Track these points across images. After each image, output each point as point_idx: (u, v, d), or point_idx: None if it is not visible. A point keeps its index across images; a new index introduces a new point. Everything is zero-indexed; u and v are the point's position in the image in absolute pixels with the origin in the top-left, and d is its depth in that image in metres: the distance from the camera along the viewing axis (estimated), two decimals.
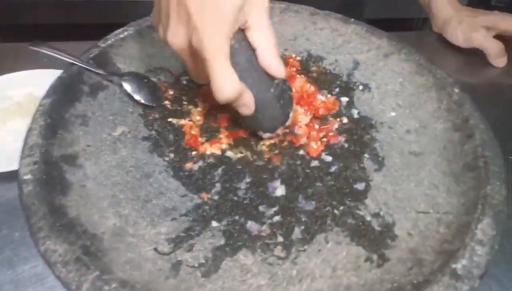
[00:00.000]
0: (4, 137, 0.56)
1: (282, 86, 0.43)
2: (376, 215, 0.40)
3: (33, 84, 0.61)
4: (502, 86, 0.69)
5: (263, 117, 0.44)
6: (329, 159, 0.46)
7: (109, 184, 0.41)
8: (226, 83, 0.37)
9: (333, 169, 0.45)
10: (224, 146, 0.47)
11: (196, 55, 0.38)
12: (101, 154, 0.44)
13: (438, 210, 0.39)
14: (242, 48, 0.39)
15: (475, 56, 0.72)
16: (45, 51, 0.51)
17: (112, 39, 0.54)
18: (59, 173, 0.40)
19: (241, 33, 0.39)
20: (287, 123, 0.46)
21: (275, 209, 0.41)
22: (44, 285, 0.40)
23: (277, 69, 0.40)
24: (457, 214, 0.37)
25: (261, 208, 0.41)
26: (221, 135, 0.49)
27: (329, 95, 0.54)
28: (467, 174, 0.40)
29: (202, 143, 0.48)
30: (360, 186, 0.43)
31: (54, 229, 0.34)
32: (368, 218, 0.40)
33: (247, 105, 0.40)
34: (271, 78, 0.41)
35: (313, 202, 0.42)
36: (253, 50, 0.40)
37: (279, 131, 0.46)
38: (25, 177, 0.37)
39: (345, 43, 0.59)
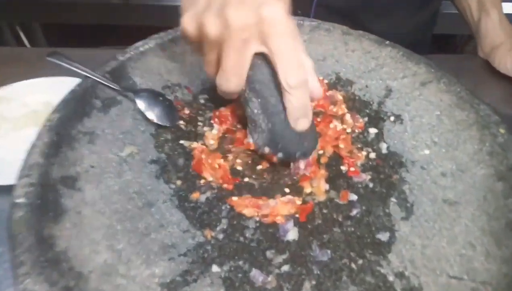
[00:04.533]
0: (17, 145, 0.54)
1: None
2: (400, 275, 0.35)
3: (52, 92, 0.60)
4: None
5: (306, 135, 0.41)
6: (353, 197, 0.42)
7: (108, 212, 0.38)
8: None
9: (354, 212, 0.40)
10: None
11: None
12: (104, 176, 0.41)
13: (474, 277, 0.33)
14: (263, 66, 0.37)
15: None
16: (61, 63, 0.50)
17: (132, 52, 0.52)
18: (55, 197, 0.37)
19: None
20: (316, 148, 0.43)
21: (284, 256, 0.37)
22: None
23: (317, 89, 0.39)
24: (497, 286, 0.31)
25: (268, 254, 0.37)
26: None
27: (360, 119, 0.50)
28: (510, 235, 0.34)
29: None
30: (383, 236, 0.38)
31: (37, 264, 0.31)
32: (391, 278, 0.35)
33: (310, 116, 0.39)
34: None
35: (328, 251, 0.37)
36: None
37: (312, 157, 0.43)
38: (18, 200, 0.35)
39: (378, 67, 0.54)
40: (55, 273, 0.31)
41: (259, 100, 0.39)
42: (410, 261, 0.36)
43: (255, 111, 0.40)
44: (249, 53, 0.36)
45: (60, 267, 0.32)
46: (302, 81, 0.36)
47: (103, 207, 0.39)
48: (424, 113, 0.49)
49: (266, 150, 0.43)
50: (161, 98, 0.49)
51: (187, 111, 0.50)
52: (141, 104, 0.48)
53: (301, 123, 0.39)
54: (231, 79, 0.37)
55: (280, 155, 0.42)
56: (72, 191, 0.38)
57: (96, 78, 0.47)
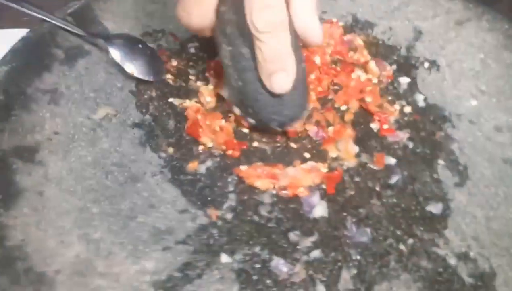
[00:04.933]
0: None
1: (304, 68, 0.33)
2: (463, 257, 0.28)
3: (5, 46, 0.49)
4: None
5: (288, 100, 0.32)
6: (391, 161, 0.33)
7: (79, 191, 0.29)
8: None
9: (394, 179, 0.32)
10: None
11: None
12: (73, 145, 0.32)
13: None
14: None
15: None
16: (7, 2, 0.39)
17: None
18: (6, 174, 0.28)
19: None
20: (305, 115, 0.35)
21: (312, 238, 0.29)
22: None
23: (316, 31, 0.31)
24: None
25: (292, 236, 0.29)
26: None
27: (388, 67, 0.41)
28: None
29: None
30: (435, 208, 0.31)
31: None
32: (452, 261, 0.27)
33: (290, 72, 0.30)
34: (300, 54, 0.32)
35: (368, 230, 0.29)
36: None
37: (299, 125, 0.35)
38: None
39: (402, 5, 0.46)
40: (4, 279, 0.22)
41: (230, 48, 0.31)
42: (474, 238, 0.28)
43: (225, 62, 0.32)
44: None
45: (13, 268, 0.23)
46: (273, 22, 0.28)
47: (72, 184, 0.30)
48: (464, 57, 0.41)
49: (236, 111, 0.34)
50: (140, 46, 0.40)
51: (174, 63, 0.41)
52: (115, 54, 0.38)
53: (276, 81, 0.30)
54: (191, 11, 0.29)
55: (250, 120, 0.34)
56: (30, 165, 0.30)
57: (56, 22, 0.37)
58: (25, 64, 0.35)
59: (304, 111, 0.35)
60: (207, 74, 0.40)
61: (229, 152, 0.34)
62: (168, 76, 0.40)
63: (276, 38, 0.28)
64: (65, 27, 0.38)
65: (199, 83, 0.39)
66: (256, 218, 0.30)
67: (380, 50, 0.43)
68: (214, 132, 0.35)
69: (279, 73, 0.29)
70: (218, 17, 0.30)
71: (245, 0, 0.27)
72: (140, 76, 0.38)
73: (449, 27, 0.43)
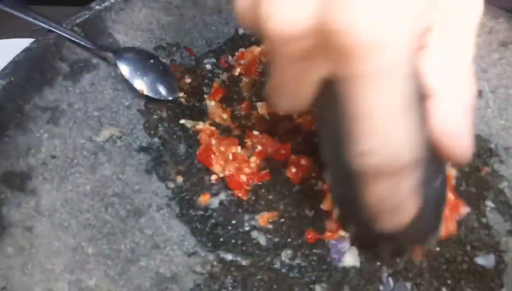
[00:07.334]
0: None
1: (443, 178, 0.25)
2: None
3: (6, 57, 0.47)
4: None
5: (416, 222, 0.22)
6: None
7: (74, 226, 0.26)
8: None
9: None
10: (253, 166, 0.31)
11: (320, 51, 0.18)
12: (70, 171, 0.29)
13: None
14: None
15: None
16: (12, 11, 0.36)
17: (112, 0, 0.39)
18: None
19: None
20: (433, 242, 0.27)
21: None
22: None
23: (462, 146, 0.21)
24: None
25: (318, 289, 0.25)
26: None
27: None
28: None
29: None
30: (486, 261, 0.26)
31: None
32: None
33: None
34: (439, 161, 0.23)
35: (408, 286, 0.25)
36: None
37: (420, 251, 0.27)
38: None
39: None
40: None
41: (329, 134, 0.23)
42: None
43: (324, 145, 0.24)
44: (313, 77, 0.20)
45: None
46: (373, 165, 0.19)
47: (67, 218, 0.26)
48: (510, 82, 0.37)
49: (335, 211, 0.28)
50: (152, 61, 0.37)
51: (188, 80, 0.38)
52: (125, 69, 0.35)
53: (384, 223, 0.22)
54: (285, 98, 0.22)
55: (352, 228, 0.27)
56: (20, 195, 0.26)
57: (62, 33, 0.35)
58: (25, 78, 0.32)
59: (434, 235, 0.26)
60: None
61: (238, 194, 0.30)
62: (181, 94, 0.36)
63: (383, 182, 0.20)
64: (72, 38, 0.35)
65: (213, 102, 0.36)
66: (277, 265, 0.26)
67: None
68: (226, 160, 0.31)
69: (388, 217, 0.21)
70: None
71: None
72: (150, 94, 0.35)
73: (492, 48, 0.39)
